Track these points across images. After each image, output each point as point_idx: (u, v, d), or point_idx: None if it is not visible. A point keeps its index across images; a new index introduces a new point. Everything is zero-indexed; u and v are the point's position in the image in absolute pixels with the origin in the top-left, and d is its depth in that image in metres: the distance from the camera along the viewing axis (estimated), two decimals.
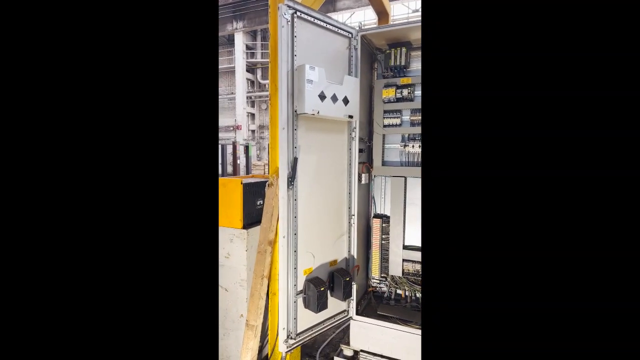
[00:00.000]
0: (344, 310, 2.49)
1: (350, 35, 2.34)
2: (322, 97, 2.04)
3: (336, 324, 2.43)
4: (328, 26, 2.18)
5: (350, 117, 2.24)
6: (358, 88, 2.29)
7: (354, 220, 2.48)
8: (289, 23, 1.96)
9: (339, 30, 2.26)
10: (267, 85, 18.44)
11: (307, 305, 2.15)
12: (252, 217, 2.55)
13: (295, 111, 2.01)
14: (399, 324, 2.41)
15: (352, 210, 2.48)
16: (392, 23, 2.40)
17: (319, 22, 2.12)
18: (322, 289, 2.12)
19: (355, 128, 2.42)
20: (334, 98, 2.11)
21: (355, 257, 2.52)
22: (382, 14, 3.50)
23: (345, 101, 2.19)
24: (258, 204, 2.62)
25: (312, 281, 2.14)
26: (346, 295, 2.30)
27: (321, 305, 2.12)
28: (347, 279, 2.28)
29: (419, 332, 2.31)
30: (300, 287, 2.14)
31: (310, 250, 2.21)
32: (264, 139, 18.75)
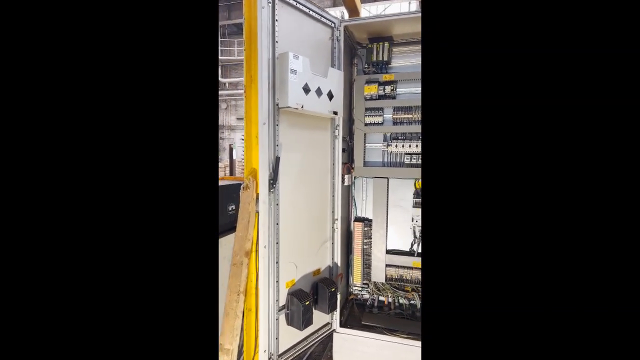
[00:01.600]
0: (327, 323, 2.30)
1: (333, 25, 2.16)
2: (306, 90, 1.84)
3: (320, 339, 2.23)
4: (311, 12, 1.98)
5: (335, 113, 2.07)
6: (342, 82, 2.12)
7: (338, 225, 2.30)
8: (270, 4, 1.73)
9: (322, 19, 2.07)
10: (226, 84, 17.74)
11: (290, 322, 1.93)
12: (223, 225, 2.26)
13: (277, 105, 1.78)
14: (385, 333, 2.27)
15: (335, 214, 2.30)
16: (377, 14, 2.26)
17: (301, 6, 1.92)
18: (308, 302, 1.91)
19: (338, 125, 2.25)
20: (319, 92, 1.92)
21: (339, 264, 2.34)
22: (353, 12, 3.38)
23: (330, 96, 2.01)
24: (230, 209, 2.34)
25: (296, 295, 1.92)
26: (332, 308, 2.11)
27: (306, 321, 1.91)
28: (333, 289, 2.10)
29: (406, 341, 2.19)
30: (282, 301, 1.91)
31: (293, 260, 1.99)
32: (223, 139, 18.03)
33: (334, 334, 2.34)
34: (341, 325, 2.34)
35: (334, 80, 2.03)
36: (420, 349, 2.16)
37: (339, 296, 2.22)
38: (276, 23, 1.75)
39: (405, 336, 2.23)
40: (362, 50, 2.61)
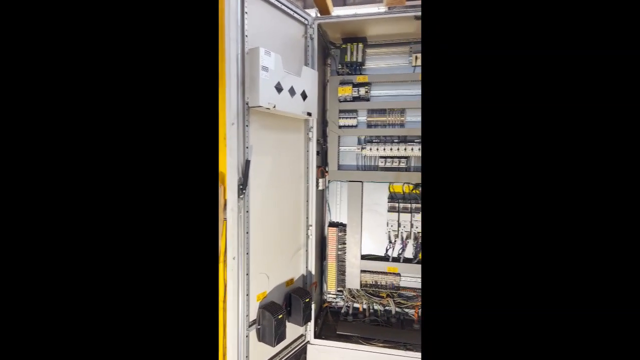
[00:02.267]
0: (301, 335, 2.18)
1: (306, 22, 2.07)
2: (278, 88, 1.72)
3: (293, 352, 2.10)
4: (283, 7, 1.87)
5: (309, 114, 1.96)
6: (316, 82, 2.03)
7: (312, 231, 2.20)
8: None
9: (295, 15, 1.97)
10: None
11: (261, 337, 1.79)
12: None
13: (247, 104, 1.65)
14: (361, 343, 2.20)
15: (309, 219, 2.20)
16: (353, 14, 2.19)
17: (273, 0, 1.80)
18: (281, 316, 1.78)
19: (312, 127, 2.15)
20: (292, 91, 1.81)
21: (313, 272, 2.23)
22: (324, 12, 3.31)
23: (304, 96, 1.91)
24: None
25: (268, 308, 1.79)
26: (306, 319, 2.00)
27: (279, 336, 1.78)
28: (307, 299, 1.99)
29: (383, 350, 2.13)
30: (253, 316, 1.77)
31: (264, 271, 1.86)
32: None
33: (308, 345, 2.23)
34: (316, 337, 2.23)
35: (308, 79, 1.93)
36: (396, 357, 2.11)
37: (313, 306, 2.11)
38: (245, 15, 1.62)
39: (382, 345, 2.17)
40: (335, 51, 2.54)
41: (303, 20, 2.03)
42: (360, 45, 2.38)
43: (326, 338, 2.25)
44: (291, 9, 1.92)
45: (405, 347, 2.14)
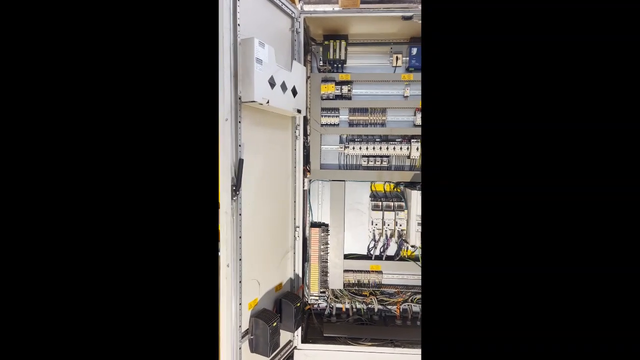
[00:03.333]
0: (289, 342, 2.10)
1: (293, 15, 1.98)
2: (271, 83, 1.62)
3: None
4: None
5: (299, 111, 1.89)
6: (305, 78, 1.96)
7: (299, 232, 2.12)
8: None
9: (283, 6, 1.88)
10: None
11: (255, 348, 1.68)
12: None
13: (240, 98, 1.53)
14: (348, 343, 2.18)
15: (297, 221, 2.12)
16: (338, 10, 2.15)
17: None
18: (275, 323, 1.69)
19: (299, 125, 2.08)
20: (284, 86, 1.72)
21: (300, 275, 2.16)
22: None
23: (294, 92, 1.83)
24: None
25: (261, 316, 1.69)
26: (298, 324, 1.93)
27: (274, 345, 1.69)
28: (298, 304, 1.91)
29: (371, 349, 2.14)
30: (245, 326, 1.66)
31: (255, 277, 1.75)
32: None
33: (295, 351, 2.16)
34: (303, 341, 2.17)
35: (298, 75, 1.86)
36: (386, 355, 2.12)
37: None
38: (238, 3, 1.50)
39: (370, 344, 2.17)
40: (316, 47, 2.48)
41: (290, 13, 1.95)
42: (343, 42, 2.35)
43: (313, 342, 2.20)
44: (280, 1, 1.83)
45: (393, 343, 2.17)
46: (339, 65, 2.42)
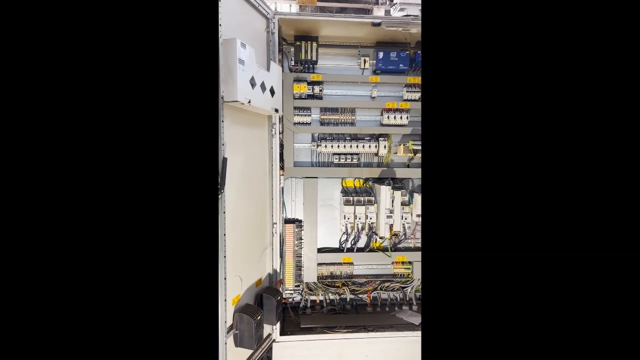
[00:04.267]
0: (269, 335, 2.16)
1: (269, 16, 2.02)
2: (252, 83, 1.66)
3: (262, 353, 2.07)
4: None
5: (277, 110, 1.94)
6: (281, 78, 2.01)
7: (277, 229, 2.18)
8: None
9: (259, 7, 1.91)
10: None
11: (239, 342, 1.72)
12: None
13: (222, 98, 1.55)
14: (325, 332, 2.29)
15: (274, 217, 2.17)
16: (310, 12, 2.22)
17: None
18: (259, 317, 1.74)
19: (275, 124, 2.13)
20: (263, 86, 1.77)
21: (278, 270, 2.22)
22: None
23: (272, 91, 1.88)
24: None
25: (245, 311, 1.73)
26: (278, 317, 2.00)
27: (258, 338, 1.74)
28: (279, 297, 1.98)
29: (347, 335, 2.26)
30: (230, 321, 1.69)
31: (238, 273, 1.78)
32: None
33: (274, 344, 2.22)
34: (281, 334, 2.23)
35: (275, 75, 1.91)
36: (360, 340, 2.27)
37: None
38: (220, 3, 1.51)
39: (345, 331, 2.30)
40: (287, 47, 2.53)
41: (266, 13, 1.99)
42: (315, 44, 2.43)
43: (291, 333, 2.27)
44: (256, 1, 1.86)
45: (365, 329, 2.32)
46: (311, 66, 2.50)
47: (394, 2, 2.29)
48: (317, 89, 2.48)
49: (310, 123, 2.52)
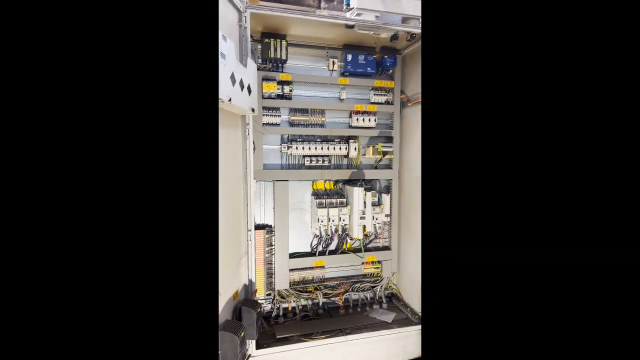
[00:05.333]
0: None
1: (241, 9, 1.89)
2: (233, 80, 1.53)
3: None
4: None
5: (253, 110, 1.82)
6: (256, 76, 1.89)
7: (252, 235, 2.05)
8: None
9: None
10: None
11: None
12: None
13: None
14: (302, 340, 2.22)
15: (249, 224, 2.03)
16: (284, 8, 2.12)
17: None
18: (242, 333, 1.61)
19: (248, 124, 1.99)
20: (242, 84, 1.64)
21: (254, 280, 2.09)
22: None
23: (249, 90, 1.76)
24: None
25: (226, 328, 1.58)
26: (258, 330, 1.86)
27: (242, 356, 1.61)
28: (259, 309, 1.85)
29: (325, 341, 2.22)
30: None
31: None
32: None
33: (250, 359, 2.08)
34: (257, 347, 2.10)
35: (252, 72, 1.79)
36: (338, 344, 2.24)
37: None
38: None
39: (323, 337, 2.25)
40: (253, 44, 2.40)
41: (239, 6, 1.85)
42: (284, 42, 2.34)
43: (267, 346, 2.15)
44: None
45: (343, 332, 2.30)
46: (280, 65, 2.41)
47: (351, 6, 2.30)
48: (287, 88, 2.39)
49: (279, 124, 2.43)
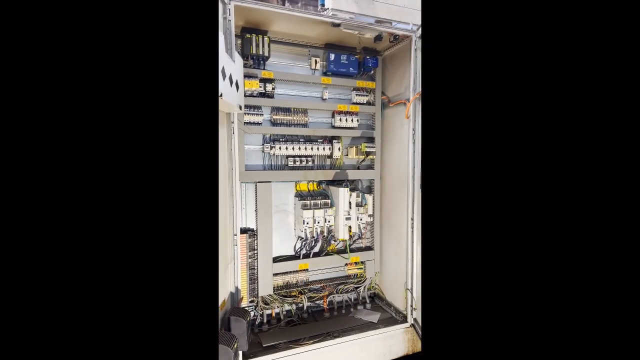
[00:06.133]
0: None
1: (225, 1, 1.79)
2: (223, 74, 1.43)
3: None
4: None
5: (240, 107, 1.73)
6: (243, 72, 1.80)
7: (238, 240, 1.94)
8: None
9: None
10: None
11: None
12: None
13: None
14: (290, 347, 2.14)
15: (235, 228, 1.92)
16: (265, 2, 2.03)
17: None
18: (235, 345, 1.51)
19: (233, 122, 1.89)
20: (231, 79, 1.55)
21: (240, 287, 1.98)
22: None
23: (237, 85, 1.66)
24: None
25: (220, 340, 1.47)
26: (249, 340, 1.76)
27: None
28: (249, 318, 1.75)
29: (314, 346, 2.16)
30: None
31: None
32: None
33: None
34: (244, 358, 1.99)
35: (239, 67, 1.70)
36: (327, 348, 2.19)
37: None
38: None
39: (311, 342, 2.19)
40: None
41: None
42: (267, 38, 2.26)
43: (254, 356, 2.04)
44: None
45: (331, 335, 2.25)
46: (262, 62, 2.32)
47: (326, 7, 2.29)
48: (269, 86, 2.31)
49: (261, 123, 2.34)
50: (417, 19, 2.30)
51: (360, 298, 2.73)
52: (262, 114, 2.32)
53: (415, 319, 2.35)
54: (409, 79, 2.29)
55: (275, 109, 2.39)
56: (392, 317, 2.50)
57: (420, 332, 2.28)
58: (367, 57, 2.52)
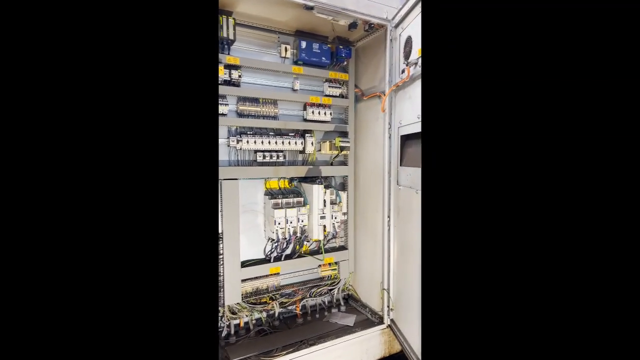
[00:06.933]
0: None
1: None
2: None
3: None
4: None
5: None
6: None
7: None
8: None
9: None
10: None
11: None
12: None
13: None
14: None
15: None
16: None
17: None
18: None
19: None
20: None
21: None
22: None
23: None
24: None
25: None
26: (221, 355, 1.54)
27: None
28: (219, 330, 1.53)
29: (288, 357, 1.99)
30: None
31: None
32: None
33: None
34: None
35: None
36: (303, 357, 2.03)
37: None
38: None
39: (285, 353, 2.01)
40: None
41: None
42: (232, 20, 2.04)
43: None
44: None
45: (307, 344, 2.10)
46: (226, 45, 2.09)
47: None
48: (235, 74, 2.09)
49: (226, 114, 2.11)
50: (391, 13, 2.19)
51: (335, 300, 2.61)
52: (227, 104, 2.10)
53: (392, 320, 2.27)
54: (384, 71, 2.20)
55: (242, 99, 2.18)
56: (367, 319, 2.40)
57: (397, 332, 2.20)
58: (340, 46, 2.39)
